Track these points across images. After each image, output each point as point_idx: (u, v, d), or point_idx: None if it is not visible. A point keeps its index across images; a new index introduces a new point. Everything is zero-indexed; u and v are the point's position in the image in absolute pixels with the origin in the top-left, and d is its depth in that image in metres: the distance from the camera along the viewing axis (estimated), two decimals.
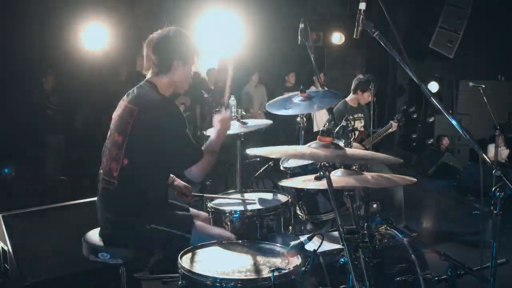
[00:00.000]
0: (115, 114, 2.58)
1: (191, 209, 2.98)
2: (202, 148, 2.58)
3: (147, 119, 2.42)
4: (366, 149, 4.63)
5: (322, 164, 1.98)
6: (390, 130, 4.87)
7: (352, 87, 4.94)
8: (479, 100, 4.88)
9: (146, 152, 2.43)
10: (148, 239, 2.49)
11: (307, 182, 2.36)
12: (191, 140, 2.51)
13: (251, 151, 2.09)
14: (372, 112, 4.12)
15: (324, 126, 2.23)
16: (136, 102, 2.49)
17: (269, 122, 3.72)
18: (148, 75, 2.59)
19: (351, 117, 4.61)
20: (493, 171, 1.82)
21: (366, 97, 4.82)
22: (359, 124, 4.82)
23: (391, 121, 4.86)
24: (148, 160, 2.44)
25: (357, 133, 4.72)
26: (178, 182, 2.96)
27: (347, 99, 4.91)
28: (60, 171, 7.42)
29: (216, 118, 2.73)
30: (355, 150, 2.36)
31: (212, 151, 2.61)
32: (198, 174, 2.54)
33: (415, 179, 2.18)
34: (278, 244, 2.30)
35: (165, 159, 2.46)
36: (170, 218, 2.55)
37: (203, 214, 2.96)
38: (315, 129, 7.50)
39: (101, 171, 2.58)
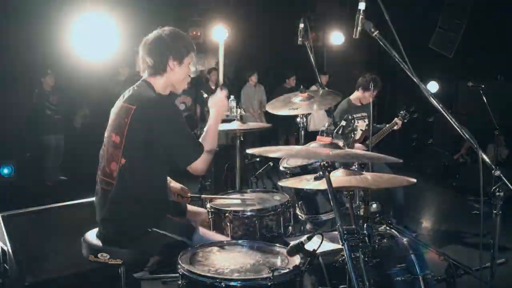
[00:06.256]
0: (112, 114, 2.56)
1: (191, 206, 2.97)
2: (200, 139, 2.53)
3: (144, 117, 2.39)
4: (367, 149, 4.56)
5: (322, 164, 1.97)
6: (395, 127, 4.73)
7: (356, 84, 4.86)
8: (479, 100, 4.87)
9: (144, 151, 2.39)
10: (148, 242, 2.47)
11: (306, 182, 2.36)
12: (191, 135, 2.47)
13: (250, 152, 2.08)
14: (371, 112, 4.09)
15: (324, 126, 2.21)
16: (132, 100, 2.46)
17: (268, 125, 3.71)
18: (144, 75, 2.56)
19: (354, 115, 4.56)
20: (493, 171, 1.82)
21: (367, 96, 4.72)
22: (363, 124, 4.73)
23: (395, 119, 4.73)
24: (146, 159, 2.41)
25: (359, 132, 4.65)
26: (174, 184, 2.92)
27: (351, 97, 4.86)
28: (60, 171, 7.43)
29: (212, 101, 2.68)
30: (354, 150, 2.35)
31: (212, 138, 2.56)
32: (200, 168, 2.47)
33: (415, 180, 2.18)
34: (278, 244, 2.30)
35: (165, 156, 2.43)
36: (172, 224, 2.52)
37: (203, 211, 2.96)
38: (312, 128, 7.47)
39: (99, 172, 2.56)
